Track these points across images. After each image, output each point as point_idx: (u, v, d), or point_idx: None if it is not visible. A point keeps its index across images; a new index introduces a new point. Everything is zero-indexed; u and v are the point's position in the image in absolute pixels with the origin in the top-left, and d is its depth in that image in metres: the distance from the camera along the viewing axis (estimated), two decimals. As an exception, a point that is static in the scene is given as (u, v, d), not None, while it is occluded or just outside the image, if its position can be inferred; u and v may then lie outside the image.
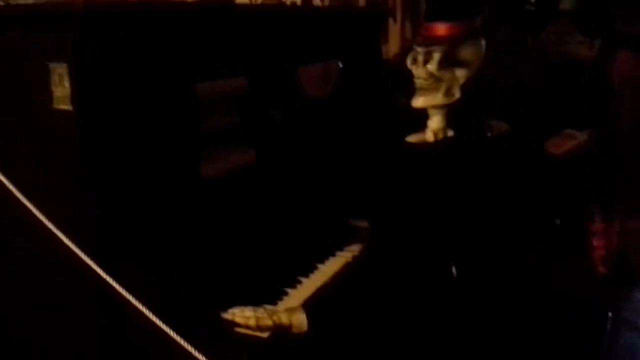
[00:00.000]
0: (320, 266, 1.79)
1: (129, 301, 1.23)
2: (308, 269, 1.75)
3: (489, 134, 2.31)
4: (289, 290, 1.65)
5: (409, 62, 1.75)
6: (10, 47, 1.31)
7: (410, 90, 1.83)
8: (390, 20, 3.33)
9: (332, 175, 2.00)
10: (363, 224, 1.96)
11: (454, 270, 1.63)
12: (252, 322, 1.44)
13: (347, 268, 1.80)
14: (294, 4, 3.39)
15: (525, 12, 4.02)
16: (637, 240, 2.75)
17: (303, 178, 1.92)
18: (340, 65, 2.20)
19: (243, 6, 1.76)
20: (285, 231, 1.78)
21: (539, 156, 2.91)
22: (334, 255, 1.85)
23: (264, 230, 1.72)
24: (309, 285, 1.69)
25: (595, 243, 2.96)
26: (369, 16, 2.52)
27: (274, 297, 1.60)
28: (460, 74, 1.71)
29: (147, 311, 1.21)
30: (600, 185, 2.97)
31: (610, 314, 2.24)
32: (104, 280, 1.24)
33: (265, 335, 1.44)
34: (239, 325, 1.45)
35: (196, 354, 1.18)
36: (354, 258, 1.84)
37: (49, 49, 1.27)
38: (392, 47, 3.49)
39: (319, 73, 2.13)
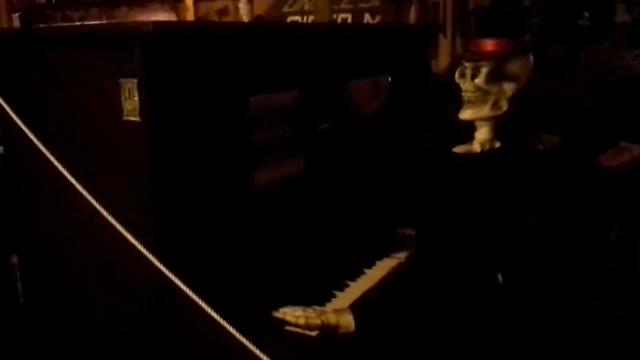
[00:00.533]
0: (367, 271, 1.88)
1: (190, 298, 1.34)
2: (356, 274, 1.84)
3: (540, 147, 2.36)
4: (337, 293, 1.74)
5: (457, 76, 1.83)
6: (85, 64, 1.45)
7: (459, 103, 1.90)
8: (441, 36, 3.41)
9: (380, 185, 2.09)
10: (409, 232, 2.04)
11: (499, 277, 1.69)
12: (301, 321, 1.54)
13: (394, 273, 1.88)
14: (345, 21, 3.51)
15: (579, 27, 4.01)
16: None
17: (351, 187, 2.02)
18: (390, 80, 2.29)
19: (295, 25, 1.86)
20: (334, 237, 1.88)
21: (592, 169, 2.92)
22: (380, 260, 1.93)
23: (314, 236, 1.82)
24: (356, 288, 1.78)
25: (646, 255, 2.94)
26: (418, 32, 2.60)
27: (322, 299, 1.70)
28: (508, 87, 1.78)
29: (207, 306, 1.32)
30: (655, 198, 2.95)
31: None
32: (168, 278, 1.36)
33: (314, 334, 1.54)
34: (289, 323, 1.55)
35: (252, 347, 1.27)
36: (400, 264, 1.92)
37: (120, 66, 1.40)
38: (442, 61, 3.57)
39: (368, 88, 2.23)
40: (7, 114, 1.52)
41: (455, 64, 3.38)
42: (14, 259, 1.77)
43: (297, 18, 4.22)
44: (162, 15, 4.48)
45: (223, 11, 4.51)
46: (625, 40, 3.76)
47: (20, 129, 1.49)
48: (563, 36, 3.76)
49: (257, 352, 1.28)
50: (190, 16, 4.32)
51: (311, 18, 4.09)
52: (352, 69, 2.08)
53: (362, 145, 2.12)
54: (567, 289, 1.94)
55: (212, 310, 1.32)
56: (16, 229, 1.72)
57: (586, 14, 3.98)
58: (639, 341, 2.23)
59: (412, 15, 3.33)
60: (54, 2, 4.68)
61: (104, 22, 1.56)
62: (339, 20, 4.03)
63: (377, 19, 3.90)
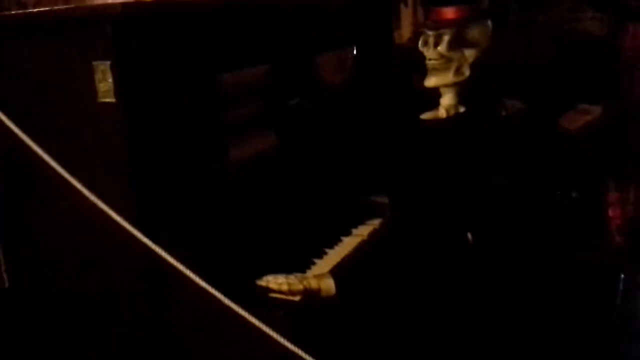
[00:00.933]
0: (343, 239, 1.95)
1: (178, 271, 1.40)
2: (333, 241, 1.92)
3: (503, 113, 2.44)
4: (317, 261, 1.82)
5: (420, 44, 1.90)
6: (58, 48, 1.48)
7: (423, 71, 1.97)
8: (402, 6, 3.45)
9: (352, 155, 2.16)
10: (382, 199, 2.11)
11: (469, 236, 1.78)
12: (284, 287, 1.61)
13: (369, 240, 1.95)
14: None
15: None
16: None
17: (324, 159, 2.08)
18: (355, 51, 2.35)
19: (261, 1, 1.90)
20: (310, 208, 1.94)
21: (553, 131, 3.02)
22: (356, 228, 2.01)
23: (291, 208, 1.88)
24: (334, 255, 1.85)
25: (611, 213, 3.08)
26: (379, 3, 2.65)
27: (303, 266, 1.77)
28: (469, 53, 1.85)
29: (195, 276, 1.38)
30: (615, 157, 3.07)
31: (622, 276, 2.37)
32: (154, 253, 1.41)
33: (297, 298, 1.61)
34: (273, 291, 1.62)
35: (242, 312, 1.34)
36: (375, 231, 2.00)
37: (92, 49, 1.44)
38: (405, 32, 3.61)
39: (334, 60, 2.28)
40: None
41: (417, 33, 3.45)
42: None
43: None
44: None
45: None
46: (581, 2, 3.83)
47: (-3, 116, 1.52)
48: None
49: (248, 316, 1.35)
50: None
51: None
52: (317, 42, 2.14)
53: (332, 117, 2.18)
54: (532, 245, 2.05)
55: (200, 280, 1.38)
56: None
57: None
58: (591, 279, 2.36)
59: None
60: (7, -12, 4.58)
61: (73, 6, 1.58)
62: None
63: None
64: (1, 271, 1.81)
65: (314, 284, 1.65)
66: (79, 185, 1.45)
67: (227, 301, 1.37)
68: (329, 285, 1.66)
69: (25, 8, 4.47)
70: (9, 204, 1.73)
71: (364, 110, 2.35)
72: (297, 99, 2.03)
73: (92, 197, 1.45)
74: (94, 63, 1.44)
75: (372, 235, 1.97)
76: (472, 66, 1.87)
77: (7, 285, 1.81)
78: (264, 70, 1.87)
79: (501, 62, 2.86)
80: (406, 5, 3.41)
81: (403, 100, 2.52)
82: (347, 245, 1.91)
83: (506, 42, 3.12)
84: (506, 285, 1.84)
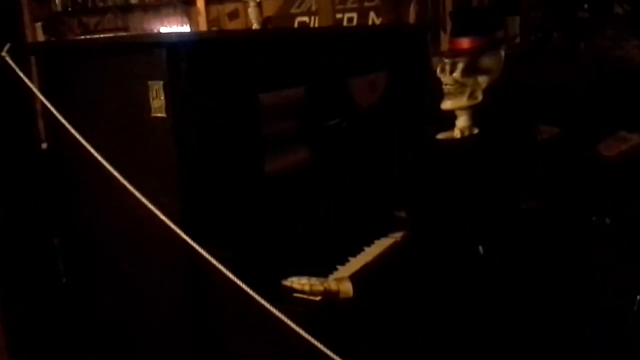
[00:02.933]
0: (366, 248, 2.16)
1: (216, 269, 1.65)
2: (356, 250, 2.13)
3: (538, 137, 2.63)
4: (339, 267, 2.04)
5: (438, 71, 2.13)
6: (118, 69, 1.77)
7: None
8: (442, 32, 3.66)
9: (377, 172, 2.39)
10: (407, 214, 2.33)
11: (480, 249, 1.98)
12: (306, 288, 1.83)
13: (390, 250, 2.16)
14: (350, 20, 3.78)
15: (579, 19, 4.20)
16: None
17: (352, 175, 2.32)
18: (387, 75, 2.59)
19: (298, 31, 2.16)
20: (337, 219, 2.17)
21: (590, 157, 3.15)
22: (378, 239, 2.22)
23: (319, 218, 2.12)
24: (356, 262, 2.07)
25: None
26: (416, 31, 2.88)
27: (326, 271, 1.99)
28: (482, 80, 2.08)
29: (230, 274, 1.62)
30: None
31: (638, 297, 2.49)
32: (197, 253, 1.66)
33: (317, 298, 1.82)
34: (296, 290, 1.84)
35: (270, 307, 1.57)
36: (396, 242, 2.21)
37: (148, 71, 1.71)
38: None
39: (367, 83, 2.52)
40: (52, 114, 1.83)
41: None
42: (56, 241, 2.09)
43: (305, 19, 4.50)
44: (175, 20, 4.80)
45: (233, 14, 4.81)
46: (624, 31, 3.94)
47: (64, 126, 1.81)
48: (563, 27, 3.96)
49: (275, 311, 1.58)
50: (202, 20, 4.64)
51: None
52: (352, 67, 2.38)
53: (362, 136, 2.41)
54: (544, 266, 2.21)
55: (234, 277, 1.62)
56: (58, 215, 2.04)
57: (585, 5, 4.14)
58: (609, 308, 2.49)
59: (412, 13, 3.61)
60: (70, 9, 5.01)
61: (135, 33, 1.88)
62: (345, 19, 4.30)
63: (381, 17, 4.16)
64: (59, 267, 2.09)
65: (333, 286, 1.87)
66: (132, 189, 1.73)
67: (257, 297, 1.60)
68: (347, 288, 1.87)
69: (87, 27, 4.90)
70: (68, 206, 2.02)
71: (393, 130, 2.58)
72: (329, 118, 2.27)
73: (144, 200, 1.71)
74: (149, 82, 1.72)
75: (392, 246, 2.18)
76: (485, 91, 2.09)
77: (64, 280, 2.09)
78: (300, 91, 2.13)
79: (541, 87, 3.04)
80: (445, 32, 3.63)
81: (431, 123, 2.74)
82: (368, 254, 2.13)
83: (548, 68, 3.30)
84: (512, 294, 2.02)
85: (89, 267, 2.04)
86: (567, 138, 3.04)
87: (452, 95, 2.09)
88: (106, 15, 4.97)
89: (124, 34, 2.02)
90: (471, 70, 2.07)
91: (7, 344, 1.96)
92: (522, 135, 2.36)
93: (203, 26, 4.58)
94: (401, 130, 2.56)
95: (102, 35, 2.04)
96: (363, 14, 4.32)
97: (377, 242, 2.21)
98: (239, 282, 1.64)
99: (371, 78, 2.52)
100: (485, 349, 1.94)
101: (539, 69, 3.55)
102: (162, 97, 1.71)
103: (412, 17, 3.61)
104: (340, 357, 1.58)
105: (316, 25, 4.31)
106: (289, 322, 1.60)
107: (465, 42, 2.06)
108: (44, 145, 2.04)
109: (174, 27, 4.83)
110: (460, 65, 2.06)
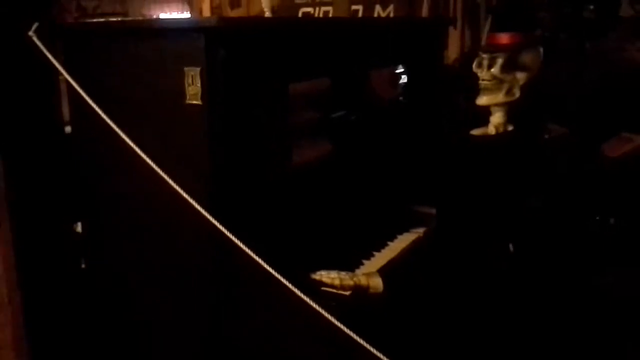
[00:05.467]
0: (390, 243, 2.18)
1: (246, 255, 1.64)
2: (380, 245, 2.15)
3: (546, 136, 2.65)
4: (365, 261, 2.04)
5: (474, 66, 2.15)
6: (156, 53, 1.74)
7: (469, 91, 2.18)
8: (451, 28, 3.68)
9: (399, 166, 2.39)
10: (427, 209, 2.34)
11: (511, 246, 2.00)
12: (336, 282, 1.83)
13: (413, 246, 2.18)
14: (356, 12, 3.77)
15: (585, 20, 4.24)
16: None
17: (375, 170, 2.32)
18: (406, 69, 2.59)
19: (326, 20, 2.15)
20: (361, 213, 2.17)
21: (595, 158, 3.19)
22: (401, 235, 2.23)
23: (344, 212, 2.12)
24: (381, 257, 2.08)
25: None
26: (433, 24, 2.89)
27: (352, 265, 1.99)
28: (520, 76, 2.10)
29: (262, 260, 1.61)
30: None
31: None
32: (227, 238, 1.65)
33: (347, 293, 1.82)
34: (325, 284, 1.84)
35: (305, 297, 1.56)
36: (419, 238, 2.22)
37: (185, 57, 1.69)
38: (452, 53, 3.84)
39: (387, 76, 2.52)
40: (78, 97, 1.81)
41: (465, 54, 3.67)
42: (78, 227, 2.07)
43: (310, 9, 4.48)
44: (176, 6, 4.75)
45: (235, 3, 4.78)
46: (629, 33, 3.99)
47: (91, 110, 1.78)
48: (569, 29, 4.01)
49: (313, 304, 1.57)
50: (206, 7, 4.60)
51: (323, 9, 4.36)
52: (373, 59, 2.38)
53: (384, 130, 2.41)
54: (568, 262, 2.24)
55: (266, 264, 1.61)
56: (81, 200, 2.01)
57: (591, 7, 4.19)
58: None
59: (425, 7, 3.62)
60: (67, -8, 4.93)
61: (173, 17, 1.86)
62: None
63: (388, 10, 4.16)
64: (79, 253, 2.06)
65: (363, 281, 1.87)
66: (164, 175, 1.71)
67: (296, 290, 1.60)
68: (377, 283, 1.88)
69: (85, 10, 4.83)
70: (93, 191, 1.99)
71: (412, 125, 2.58)
72: (352, 111, 2.27)
73: (174, 185, 1.70)
74: (185, 69, 1.69)
75: (416, 241, 2.19)
76: (522, 88, 2.10)
77: (85, 266, 2.07)
78: (325, 82, 2.12)
79: (548, 87, 3.06)
80: (455, 27, 3.64)
81: (450, 117, 2.74)
82: (393, 249, 2.14)
83: (553, 69, 3.32)
84: (541, 293, 2.04)
85: (112, 253, 2.02)
86: (574, 138, 3.07)
87: (489, 91, 2.10)
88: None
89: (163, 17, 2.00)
90: (510, 67, 2.08)
91: (26, 332, 1.93)
92: (534, 131, 2.37)
93: (207, 13, 4.54)
94: (422, 126, 2.56)
95: (137, 19, 1.99)
96: (369, 7, 4.31)
97: (400, 237, 2.22)
98: (274, 273, 1.64)
99: (391, 71, 2.52)
100: (510, 343, 1.96)
101: (545, 69, 3.55)
102: (199, 84, 1.69)
103: (425, 12, 3.62)
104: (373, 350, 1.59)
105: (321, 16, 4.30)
106: (327, 315, 1.59)
107: (505, 38, 2.08)
108: (68, 129, 2.01)
109: (173, 13, 4.78)
110: (499, 61, 2.07)
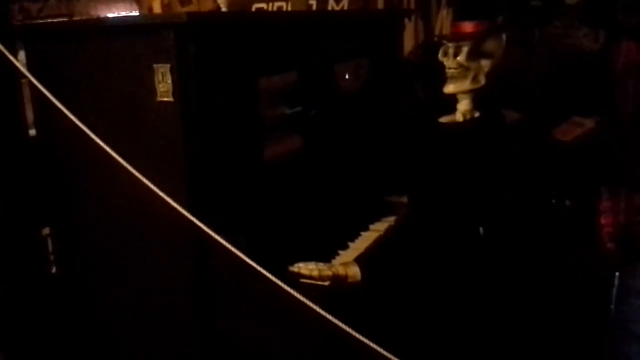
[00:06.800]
0: (362, 233, 2.20)
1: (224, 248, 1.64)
2: (354, 235, 2.17)
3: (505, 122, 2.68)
4: (340, 252, 2.06)
5: (440, 55, 2.19)
6: (123, 51, 1.72)
7: (426, 80, 2.21)
8: (405, 20, 3.72)
9: (366, 158, 2.42)
10: (396, 199, 2.38)
11: (481, 230, 2.05)
12: (315, 273, 1.84)
13: (386, 234, 2.21)
14: (310, 6, 3.75)
15: (532, 8, 4.34)
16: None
17: (342, 161, 2.34)
18: (368, 61, 2.62)
19: (293, 13, 2.15)
20: (332, 205, 2.19)
21: (548, 142, 3.28)
22: (373, 224, 2.26)
23: (316, 204, 2.13)
24: (356, 247, 2.10)
25: (603, 221, 3.34)
26: (391, 16, 2.93)
27: (328, 256, 2.01)
28: (485, 63, 2.16)
29: (239, 252, 1.61)
30: (607, 167, 3.34)
31: (617, 281, 2.63)
32: (203, 234, 1.65)
33: (326, 283, 1.84)
34: (304, 276, 1.85)
35: (292, 291, 1.57)
36: (390, 227, 2.25)
37: (154, 53, 1.68)
38: (407, 45, 3.88)
39: (350, 70, 2.54)
40: (42, 100, 1.77)
41: (420, 46, 3.72)
42: (45, 231, 2.02)
43: (263, 5, 4.45)
44: (123, 6, 4.65)
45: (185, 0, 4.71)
46: (575, 20, 4.10)
47: (59, 111, 1.74)
48: (517, 16, 4.10)
49: (297, 294, 1.58)
50: (157, 5, 4.52)
51: (277, 5, 4.34)
52: (337, 52, 2.39)
53: (350, 122, 2.44)
54: (535, 242, 2.30)
55: (250, 261, 1.62)
56: (49, 204, 1.97)
57: None
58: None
59: (380, 0, 3.65)
60: (10, -7, 4.77)
61: (141, 14, 1.84)
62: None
63: (342, 4, 4.16)
64: (49, 258, 2.02)
65: (341, 270, 1.89)
66: (136, 173, 1.69)
67: (279, 282, 1.60)
68: (355, 272, 1.90)
69: (29, 13, 4.69)
70: (62, 194, 1.95)
71: (376, 116, 2.61)
72: (320, 103, 2.28)
73: (149, 184, 1.68)
74: (155, 65, 1.68)
75: (388, 230, 2.22)
76: (487, 75, 2.16)
77: (54, 271, 2.03)
78: (292, 76, 2.12)
79: (498, 73, 3.12)
80: (409, 19, 3.68)
81: (408, 107, 2.79)
82: (366, 238, 2.16)
83: (504, 55, 3.38)
84: (510, 278, 2.10)
85: (83, 257, 1.99)
86: (527, 123, 3.14)
87: (455, 79, 2.15)
88: (49, 2, 4.77)
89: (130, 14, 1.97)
90: (475, 54, 2.13)
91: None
92: (497, 117, 2.43)
93: (157, 11, 4.47)
94: (385, 115, 2.60)
95: (105, 16, 1.96)
96: (322, 0, 4.30)
97: (372, 226, 2.25)
98: (256, 267, 1.64)
99: (355, 64, 2.54)
100: (487, 327, 2.02)
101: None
102: (169, 81, 1.68)
103: (380, 4, 3.65)
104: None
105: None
106: (312, 305, 1.60)
107: (468, 26, 2.13)
108: (33, 132, 1.96)
109: (122, 13, 4.69)
110: (465, 49, 2.12)
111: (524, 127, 2.98)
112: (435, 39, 3.60)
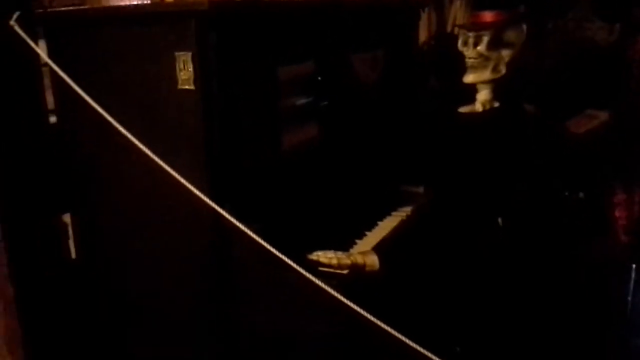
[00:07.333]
0: (380, 223, 2.21)
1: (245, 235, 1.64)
2: (371, 225, 2.18)
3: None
4: (358, 241, 2.07)
5: (460, 44, 2.19)
6: (144, 39, 1.72)
7: (441, 71, 2.20)
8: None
9: (386, 148, 2.42)
10: (413, 188, 2.38)
11: (500, 221, 2.05)
12: (334, 262, 1.85)
13: (402, 224, 2.21)
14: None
15: (546, 0, 4.31)
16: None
17: (360, 151, 2.34)
18: (385, 52, 2.61)
19: (310, 2, 2.13)
20: (351, 194, 2.20)
21: (561, 135, 3.27)
22: (390, 214, 2.27)
23: (334, 194, 2.14)
24: (373, 237, 2.11)
25: (617, 214, 3.34)
26: (408, 6, 2.91)
27: (346, 245, 2.01)
28: (505, 53, 2.16)
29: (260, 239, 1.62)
30: (621, 160, 3.33)
31: (634, 266, 2.64)
32: (223, 219, 1.66)
33: (345, 272, 1.85)
34: (322, 264, 1.86)
35: (314, 279, 1.58)
36: (407, 216, 2.26)
37: (176, 41, 1.68)
38: (421, 36, 3.87)
39: (367, 59, 2.54)
40: (63, 86, 1.78)
41: (433, 37, 3.71)
42: (66, 218, 2.03)
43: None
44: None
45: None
46: (590, 13, 4.08)
47: (80, 98, 1.75)
48: (530, 8, 4.08)
49: (319, 282, 1.59)
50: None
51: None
52: (354, 42, 2.39)
53: (368, 112, 2.44)
54: (553, 235, 2.31)
55: (272, 248, 1.62)
56: (70, 190, 1.98)
57: None
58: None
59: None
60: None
61: (161, 1, 1.85)
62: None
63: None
64: (68, 245, 2.03)
65: (359, 259, 1.89)
66: (159, 160, 1.69)
67: (294, 265, 1.61)
68: (373, 261, 1.90)
69: (41, 2, 4.67)
70: (82, 181, 1.96)
71: (392, 106, 2.61)
72: (339, 93, 2.28)
73: (171, 171, 1.69)
74: (176, 54, 1.68)
75: (405, 219, 2.23)
76: (508, 65, 2.16)
77: (74, 257, 2.04)
78: (310, 66, 2.12)
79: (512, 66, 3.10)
80: (424, 10, 3.67)
81: (425, 97, 2.79)
82: (383, 228, 2.17)
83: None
84: (527, 268, 2.10)
85: (103, 243, 2.00)
86: (542, 115, 3.13)
87: (475, 68, 2.14)
88: (61, -9, 4.77)
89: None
90: (495, 44, 2.13)
91: (19, 326, 1.90)
92: (519, 109, 2.42)
93: None
94: (402, 106, 2.60)
95: (127, 4, 1.97)
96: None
97: (389, 216, 2.25)
98: (278, 254, 1.65)
99: (372, 54, 2.54)
100: (503, 315, 2.03)
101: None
102: (190, 69, 1.68)
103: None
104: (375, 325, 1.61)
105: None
106: (334, 292, 1.61)
107: (489, 16, 2.12)
108: (53, 119, 1.97)
109: (138, 1, 4.67)
110: (485, 39, 2.12)
111: (538, 119, 2.96)
112: (453, 29, 3.60)
